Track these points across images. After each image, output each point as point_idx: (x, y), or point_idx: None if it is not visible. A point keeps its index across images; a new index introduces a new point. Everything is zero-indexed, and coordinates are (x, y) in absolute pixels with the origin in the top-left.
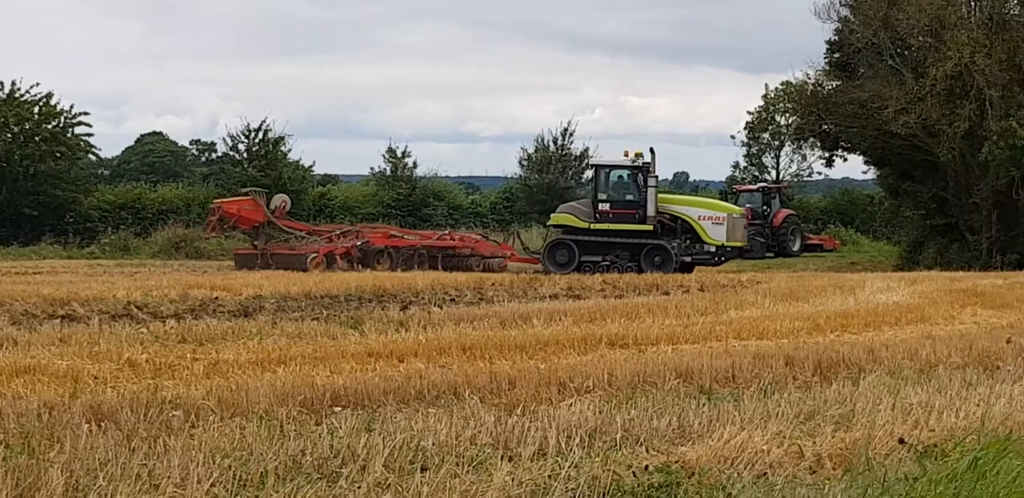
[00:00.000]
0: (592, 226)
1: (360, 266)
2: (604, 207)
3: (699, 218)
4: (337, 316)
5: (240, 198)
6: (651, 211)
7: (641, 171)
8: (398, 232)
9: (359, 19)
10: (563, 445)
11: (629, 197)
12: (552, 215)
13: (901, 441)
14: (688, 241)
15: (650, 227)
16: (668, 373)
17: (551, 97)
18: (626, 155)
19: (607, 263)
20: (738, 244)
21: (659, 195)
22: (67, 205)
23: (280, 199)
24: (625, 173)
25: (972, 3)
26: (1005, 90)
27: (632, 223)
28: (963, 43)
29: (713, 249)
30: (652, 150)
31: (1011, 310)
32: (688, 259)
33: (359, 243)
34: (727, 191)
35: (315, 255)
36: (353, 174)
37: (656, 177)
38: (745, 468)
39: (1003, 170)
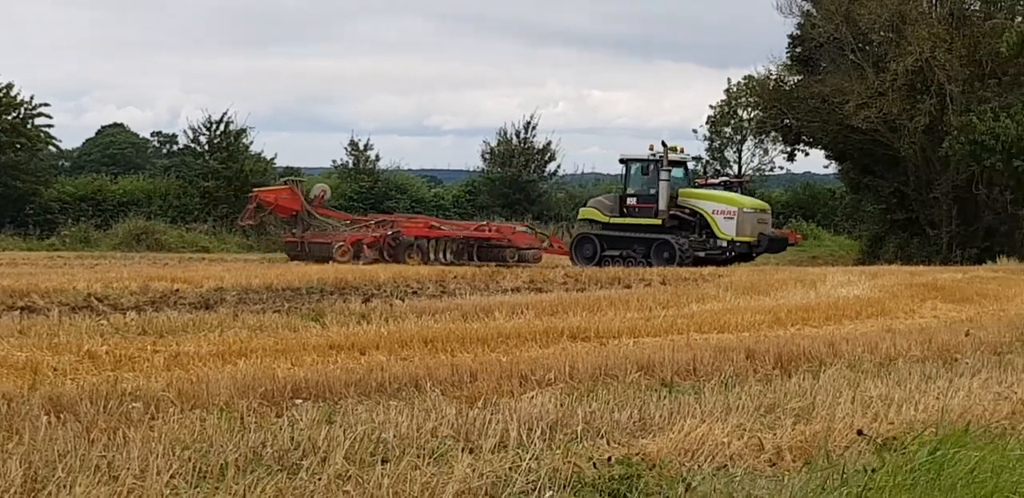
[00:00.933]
0: (611, 220)
1: (388, 258)
2: (631, 201)
3: (712, 212)
4: (299, 308)
5: (278, 187)
6: (662, 205)
7: (654, 164)
8: (437, 223)
9: (324, 12)
10: (524, 437)
11: (652, 191)
12: (580, 209)
13: (860, 433)
14: (704, 235)
15: (659, 221)
16: (629, 366)
17: (515, 91)
18: (650, 148)
19: (622, 258)
20: (747, 239)
21: (684, 189)
22: (27, 197)
23: (320, 188)
24: (642, 167)
25: None
26: (965, 85)
27: (648, 217)
28: (924, 38)
29: (724, 244)
30: (664, 143)
31: (970, 304)
32: (702, 254)
33: (389, 233)
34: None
35: (341, 244)
36: (316, 167)
37: (668, 171)
38: (705, 460)
39: (963, 165)
